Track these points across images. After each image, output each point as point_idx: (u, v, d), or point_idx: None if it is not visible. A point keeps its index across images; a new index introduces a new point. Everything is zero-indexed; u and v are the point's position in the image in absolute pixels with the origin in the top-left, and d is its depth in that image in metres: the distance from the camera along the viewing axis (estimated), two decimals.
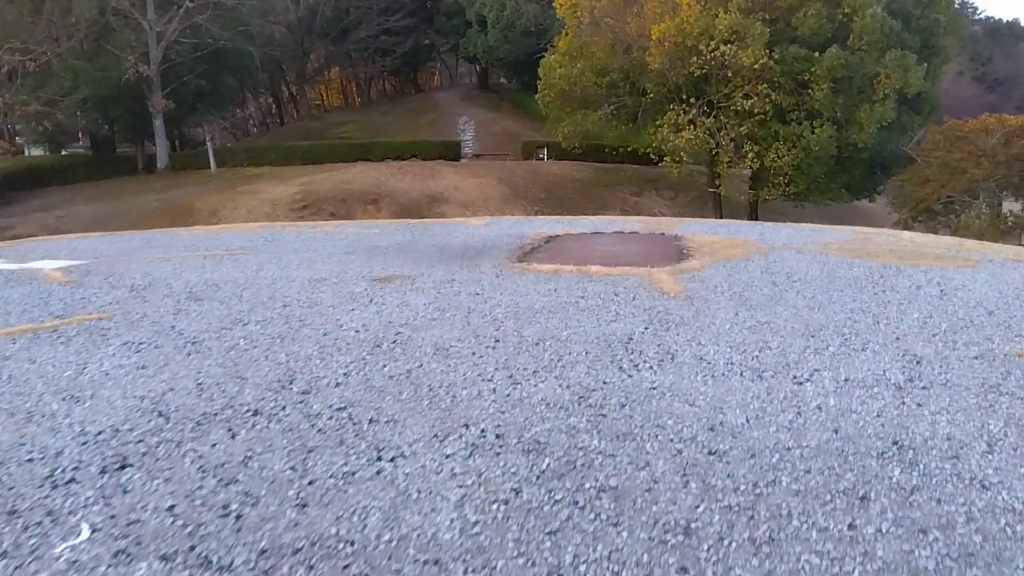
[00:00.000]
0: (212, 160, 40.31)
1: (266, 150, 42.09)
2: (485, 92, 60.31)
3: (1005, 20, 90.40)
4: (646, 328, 4.46)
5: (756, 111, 26.83)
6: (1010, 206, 26.42)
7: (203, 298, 5.44)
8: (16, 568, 2.03)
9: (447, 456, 2.71)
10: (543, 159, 41.08)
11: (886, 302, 5.21)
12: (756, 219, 34.39)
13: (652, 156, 31.14)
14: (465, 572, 2.01)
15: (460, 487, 2.47)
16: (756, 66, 25.73)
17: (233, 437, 2.89)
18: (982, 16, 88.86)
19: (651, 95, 29.61)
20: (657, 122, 29.38)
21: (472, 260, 7.42)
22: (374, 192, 32.61)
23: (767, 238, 9.16)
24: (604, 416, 3.06)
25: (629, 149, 33.16)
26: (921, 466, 2.62)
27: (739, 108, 27.12)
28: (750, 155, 27.49)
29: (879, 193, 33.21)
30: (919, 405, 3.19)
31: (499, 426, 2.97)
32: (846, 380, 3.51)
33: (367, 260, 7.42)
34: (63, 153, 47.39)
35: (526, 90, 51.87)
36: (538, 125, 48.53)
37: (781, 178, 27.71)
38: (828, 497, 2.39)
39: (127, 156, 44.16)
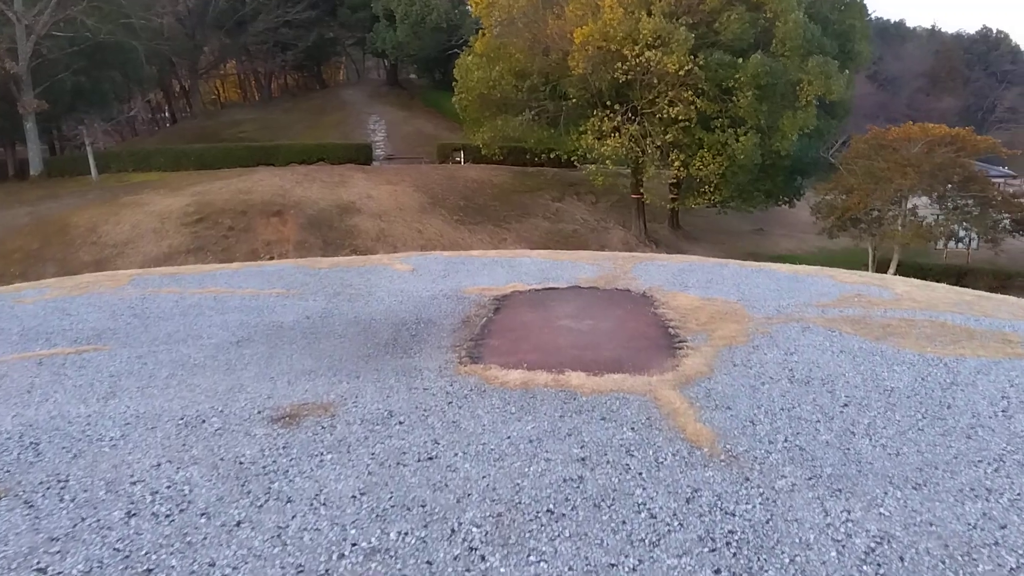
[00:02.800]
0: (93, 166, 36.34)
1: (154, 154, 38.37)
2: (395, 89, 57.78)
3: (892, 20, 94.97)
4: (714, 566, 2.88)
5: (681, 118, 26.01)
6: (918, 202, 26.60)
7: None
8: None
9: None
10: (460, 162, 39.30)
11: (985, 447, 3.85)
12: (678, 226, 33.83)
13: (575, 162, 29.95)
14: None
15: None
16: (681, 72, 24.86)
17: None
18: (872, 17, 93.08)
19: (573, 99, 28.36)
20: (580, 128, 28.17)
21: (408, 355, 5.68)
22: (278, 203, 29.96)
23: (747, 295, 7.83)
24: None
25: (552, 155, 31.81)
26: None
27: (664, 115, 26.22)
28: (676, 163, 26.68)
29: (799, 198, 33.26)
30: None
31: None
32: None
33: (266, 361, 5.54)
34: None
35: (439, 88, 49.85)
36: (452, 125, 46.67)
37: (707, 186, 27.02)
38: None
39: None
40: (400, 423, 4.26)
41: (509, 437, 4.03)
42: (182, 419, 4.35)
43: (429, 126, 48.59)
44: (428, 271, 9.67)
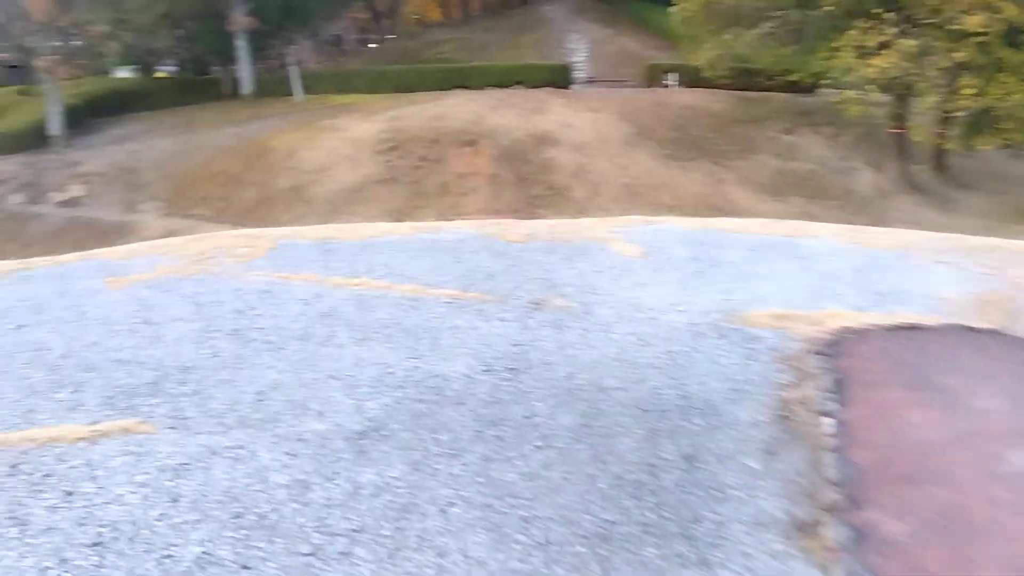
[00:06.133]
0: (297, 87, 36.33)
1: (354, 76, 37.69)
2: (599, 3, 52.91)
3: None
4: None
5: (979, 31, 19.72)
6: None
7: None
8: None
9: None
10: (671, 86, 34.50)
11: None
12: (944, 168, 27.22)
13: (813, 87, 24.47)
14: None
15: None
16: None
17: None
18: None
19: (827, 7, 22.71)
20: (833, 44, 22.60)
21: (692, 545, 2.55)
22: (472, 131, 27.62)
23: None
24: None
25: (789, 79, 26.38)
26: None
27: (955, 27, 20.05)
28: (967, 90, 20.51)
29: None
30: None
31: None
32: None
33: (395, 530, 2.70)
34: (154, 75, 44.62)
35: (648, 0, 44.59)
36: (662, 43, 41.58)
37: (1010, 122, 20.64)
38: None
39: (213, 80, 40.82)
40: None
41: None
42: None
43: (635, 45, 43.72)
44: (669, 260, 6.36)
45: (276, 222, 24.68)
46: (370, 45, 56.93)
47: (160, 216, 26.42)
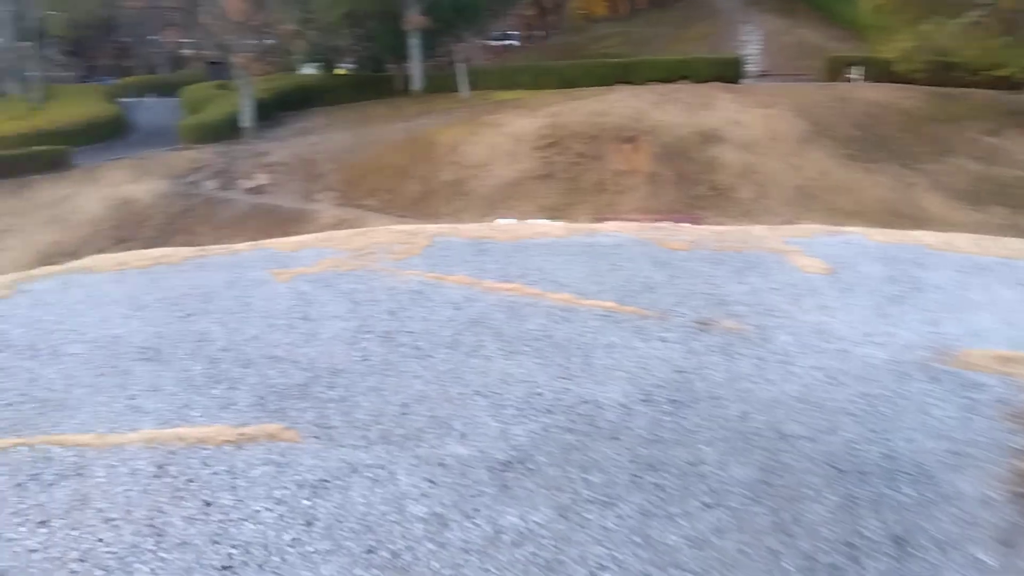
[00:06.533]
0: (464, 83, 37.31)
1: (519, 72, 38.09)
2: None
3: None
4: None
5: None
6: None
7: None
8: None
9: None
10: (854, 80, 31.76)
11: None
12: None
13: None
14: None
15: None
16: None
17: None
18: None
19: None
20: None
21: None
22: (632, 127, 26.93)
23: None
24: None
25: (997, 74, 23.34)
26: None
27: None
28: None
29: None
30: None
31: None
32: None
33: None
34: (335, 72, 47.62)
35: None
36: (845, 34, 38.51)
37: None
38: None
39: (387, 77, 42.88)
40: None
41: None
42: None
43: (815, 36, 40.75)
44: (860, 280, 5.58)
45: (436, 215, 25.43)
46: (536, 42, 57.42)
47: (333, 205, 28.05)
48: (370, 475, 2.97)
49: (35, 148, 31.23)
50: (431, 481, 2.92)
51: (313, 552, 2.49)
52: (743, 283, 5.57)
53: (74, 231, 27.52)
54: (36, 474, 2.93)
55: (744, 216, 22.16)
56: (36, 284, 5.83)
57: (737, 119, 27.35)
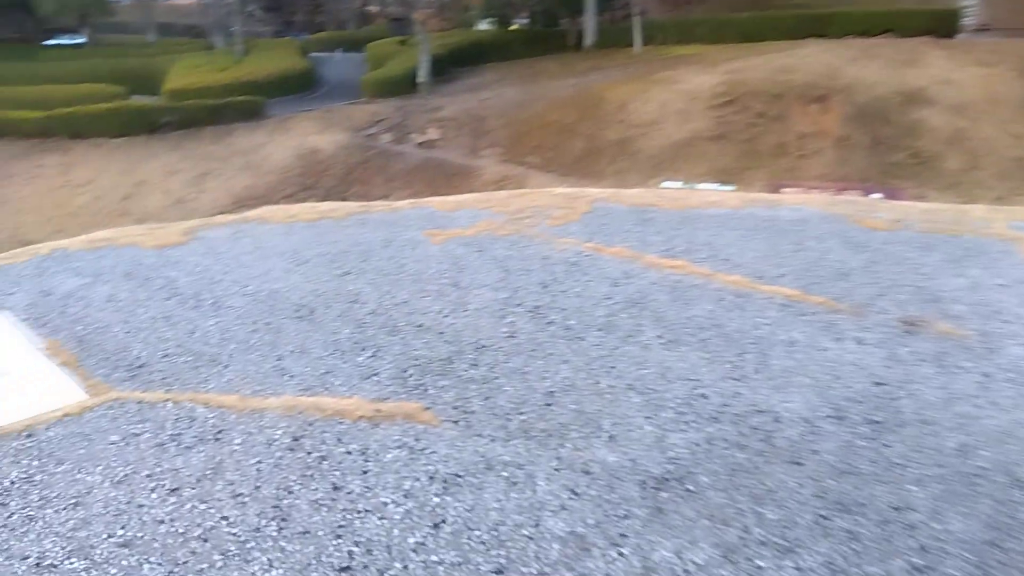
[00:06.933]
0: (638, 37, 35.88)
1: (697, 25, 35.94)
2: None
3: None
4: None
5: None
6: None
7: None
8: None
9: None
10: None
11: None
12: None
13: None
14: None
15: None
16: None
17: None
18: None
19: None
20: None
21: None
22: (822, 85, 24.53)
23: None
24: None
25: None
26: None
27: None
28: None
29: None
30: None
31: None
32: None
33: None
34: (509, 28, 47.68)
35: None
36: None
37: None
38: None
39: (559, 32, 42.24)
40: None
41: None
42: None
43: None
44: None
45: (599, 175, 24.80)
46: None
47: (497, 162, 28.21)
48: (506, 474, 2.68)
49: (235, 99, 33.96)
50: (573, 491, 2.58)
51: (438, 563, 2.24)
52: (961, 276, 4.67)
53: (265, 177, 29.77)
54: (177, 434, 2.92)
55: (950, 189, 19.60)
56: (212, 232, 6.10)
57: (948, 78, 24.07)
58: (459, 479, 2.65)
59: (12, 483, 2.62)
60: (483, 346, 3.79)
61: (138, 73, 41.17)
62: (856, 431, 2.94)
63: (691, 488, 2.58)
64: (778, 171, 22.66)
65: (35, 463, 2.73)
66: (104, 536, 2.35)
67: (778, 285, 4.59)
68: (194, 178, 30.14)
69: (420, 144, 31.05)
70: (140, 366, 3.54)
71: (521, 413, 3.12)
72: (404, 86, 35.39)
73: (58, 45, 49.30)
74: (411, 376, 3.47)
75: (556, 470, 2.70)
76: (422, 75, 35.50)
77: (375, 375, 3.48)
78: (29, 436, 2.89)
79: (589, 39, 38.72)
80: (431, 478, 2.66)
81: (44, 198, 29.40)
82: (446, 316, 4.18)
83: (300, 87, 39.53)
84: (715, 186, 21.13)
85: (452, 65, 38.46)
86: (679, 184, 22.38)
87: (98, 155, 31.46)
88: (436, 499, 2.54)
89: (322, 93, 39.61)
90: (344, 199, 26.72)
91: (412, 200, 7.48)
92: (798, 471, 2.68)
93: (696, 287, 4.57)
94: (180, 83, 37.23)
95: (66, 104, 32.87)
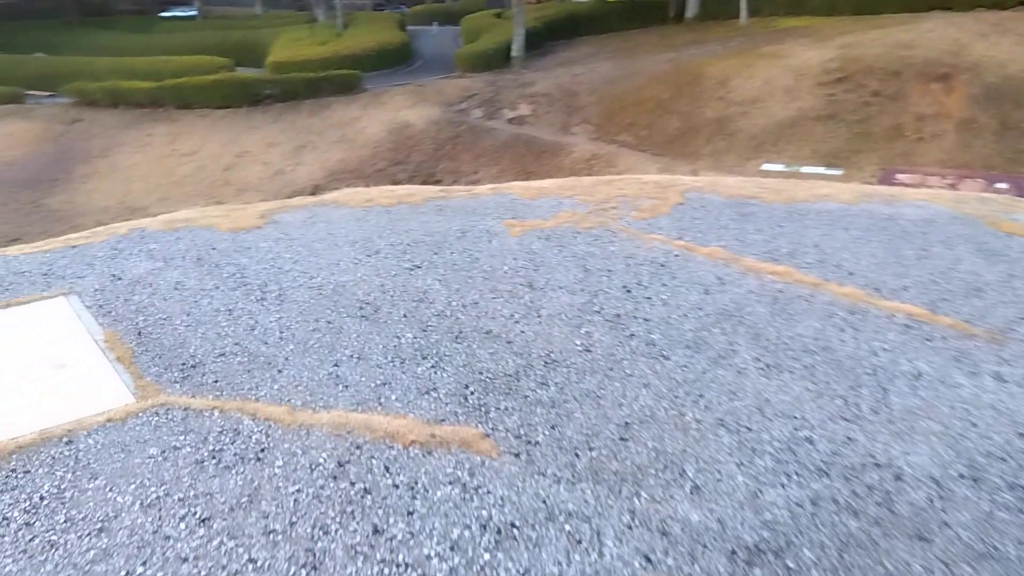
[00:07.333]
0: (743, 9, 34.04)
1: None
2: None
3: None
4: None
5: None
6: None
7: None
8: None
9: None
10: None
11: None
12: None
13: None
14: None
15: None
16: None
17: None
18: None
19: None
20: None
21: None
22: (946, 63, 22.47)
23: None
24: None
25: None
26: None
27: None
28: None
29: None
30: None
31: None
32: None
33: None
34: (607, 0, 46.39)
35: None
36: None
37: None
38: None
39: (660, 4, 40.72)
40: None
41: None
42: None
43: None
44: None
45: (694, 155, 23.74)
46: None
47: (588, 139, 27.48)
48: (569, 528, 2.32)
49: (333, 72, 34.47)
50: (646, 558, 2.20)
51: None
52: None
53: (358, 151, 30.16)
54: (219, 450, 2.71)
55: None
56: (288, 215, 5.96)
57: None
58: (515, 530, 2.32)
59: (42, 498, 2.47)
60: (554, 360, 3.43)
61: (244, 45, 42.55)
62: (997, 499, 2.42)
63: (791, 566, 2.15)
64: (892, 155, 20.99)
65: (69, 476, 2.58)
66: (123, 573, 2.15)
67: (899, 301, 3.99)
68: (292, 150, 30.90)
69: (510, 120, 30.66)
70: (194, 366, 3.38)
71: (591, 448, 2.75)
72: (497, 60, 35.02)
73: (173, 17, 51.63)
74: (472, 393, 3.15)
75: (628, 527, 2.33)
76: (515, 49, 35.00)
77: (434, 390, 3.18)
78: (69, 443, 2.75)
79: (691, 11, 37.16)
80: (483, 527, 2.33)
81: (152, 166, 30.84)
82: (517, 322, 3.83)
83: (397, 61, 39.81)
84: (821, 169, 19.82)
85: (547, 39, 37.78)
86: (781, 166, 21.13)
87: (203, 125, 32.73)
88: (486, 555, 2.22)
89: (417, 66, 39.76)
90: (433, 175, 26.77)
91: (493, 185, 7.13)
92: (925, 550, 2.20)
93: (802, 299, 4.03)
94: (282, 56, 38.19)
95: (176, 75, 34.30)
